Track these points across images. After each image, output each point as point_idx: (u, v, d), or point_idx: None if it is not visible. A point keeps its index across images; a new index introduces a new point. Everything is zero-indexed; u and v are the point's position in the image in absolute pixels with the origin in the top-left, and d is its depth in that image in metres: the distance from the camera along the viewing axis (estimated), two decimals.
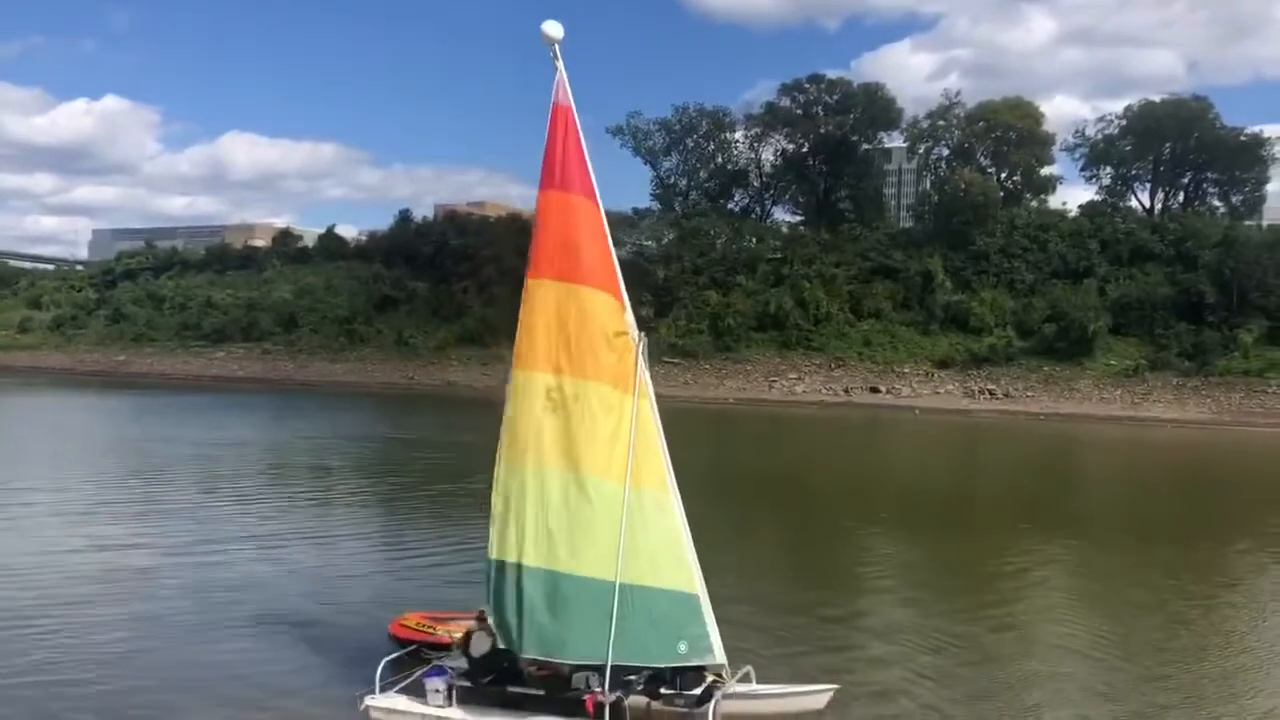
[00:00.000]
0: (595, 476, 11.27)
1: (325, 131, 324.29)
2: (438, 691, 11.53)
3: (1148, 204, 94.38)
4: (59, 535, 21.78)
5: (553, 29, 11.21)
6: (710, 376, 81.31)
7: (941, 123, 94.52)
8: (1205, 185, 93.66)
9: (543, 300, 11.49)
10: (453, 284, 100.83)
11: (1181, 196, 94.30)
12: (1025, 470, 41.23)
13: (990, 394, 74.64)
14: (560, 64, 11.37)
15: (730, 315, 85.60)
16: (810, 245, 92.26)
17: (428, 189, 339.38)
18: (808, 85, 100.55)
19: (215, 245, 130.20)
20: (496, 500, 11.63)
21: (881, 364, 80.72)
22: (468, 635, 12.00)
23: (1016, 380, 76.12)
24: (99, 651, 14.11)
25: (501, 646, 11.52)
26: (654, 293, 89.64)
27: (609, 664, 10.95)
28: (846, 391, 76.80)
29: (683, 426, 53.69)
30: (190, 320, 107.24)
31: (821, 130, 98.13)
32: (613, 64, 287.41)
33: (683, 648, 11.25)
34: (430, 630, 13.82)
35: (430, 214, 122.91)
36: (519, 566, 11.41)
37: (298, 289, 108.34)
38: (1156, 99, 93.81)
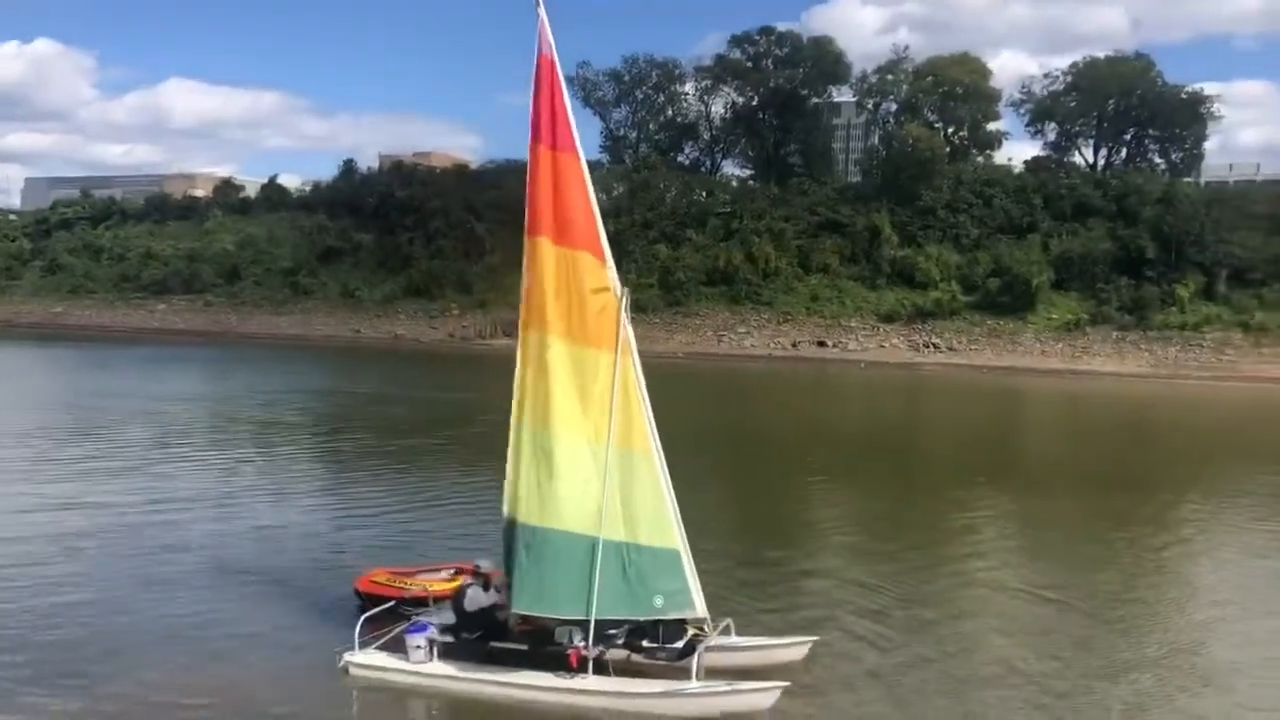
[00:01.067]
0: (582, 435, 11.47)
1: (267, 79, 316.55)
2: (419, 648, 11.59)
3: (1091, 160, 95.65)
4: (7, 495, 21.48)
5: None
6: (660, 331, 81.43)
7: (890, 78, 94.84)
8: (1146, 142, 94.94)
9: (544, 260, 11.50)
10: (399, 235, 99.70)
11: (1124, 153, 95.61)
12: (973, 423, 42.02)
13: (935, 348, 75.76)
14: (543, 12, 11.27)
15: (680, 270, 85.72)
16: (760, 200, 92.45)
17: (372, 139, 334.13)
18: (758, 38, 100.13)
19: (155, 195, 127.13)
20: (508, 457, 11.79)
21: (829, 318, 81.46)
22: (460, 589, 12.02)
23: (961, 334, 77.29)
24: (54, 612, 14.05)
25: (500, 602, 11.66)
26: None
27: (592, 618, 11.16)
28: (794, 346, 77.51)
29: None
30: (129, 271, 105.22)
31: (771, 84, 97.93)
32: (562, 12, 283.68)
33: (659, 602, 11.46)
34: (402, 585, 13.86)
35: (374, 164, 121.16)
36: (516, 523, 11.61)
37: (240, 240, 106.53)
38: (1100, 56, 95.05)
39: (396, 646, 11.85)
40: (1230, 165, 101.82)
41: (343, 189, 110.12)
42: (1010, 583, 16.41)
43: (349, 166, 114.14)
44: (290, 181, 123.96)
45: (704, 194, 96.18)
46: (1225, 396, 55.49)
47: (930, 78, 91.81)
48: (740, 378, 61.19)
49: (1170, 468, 30.98)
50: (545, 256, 11.48)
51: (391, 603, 12.97)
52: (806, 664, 12.18)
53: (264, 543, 18.05)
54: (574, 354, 11.47)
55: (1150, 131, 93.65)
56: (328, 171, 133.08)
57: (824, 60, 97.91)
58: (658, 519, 11.53)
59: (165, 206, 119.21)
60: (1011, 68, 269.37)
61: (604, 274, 11.52)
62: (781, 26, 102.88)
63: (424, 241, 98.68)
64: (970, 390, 56.75)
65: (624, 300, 11.49)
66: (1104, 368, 67.77)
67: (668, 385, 55.06)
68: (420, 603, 13.06)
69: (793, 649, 12.33)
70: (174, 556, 16.92)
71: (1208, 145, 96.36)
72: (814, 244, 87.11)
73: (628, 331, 11.50)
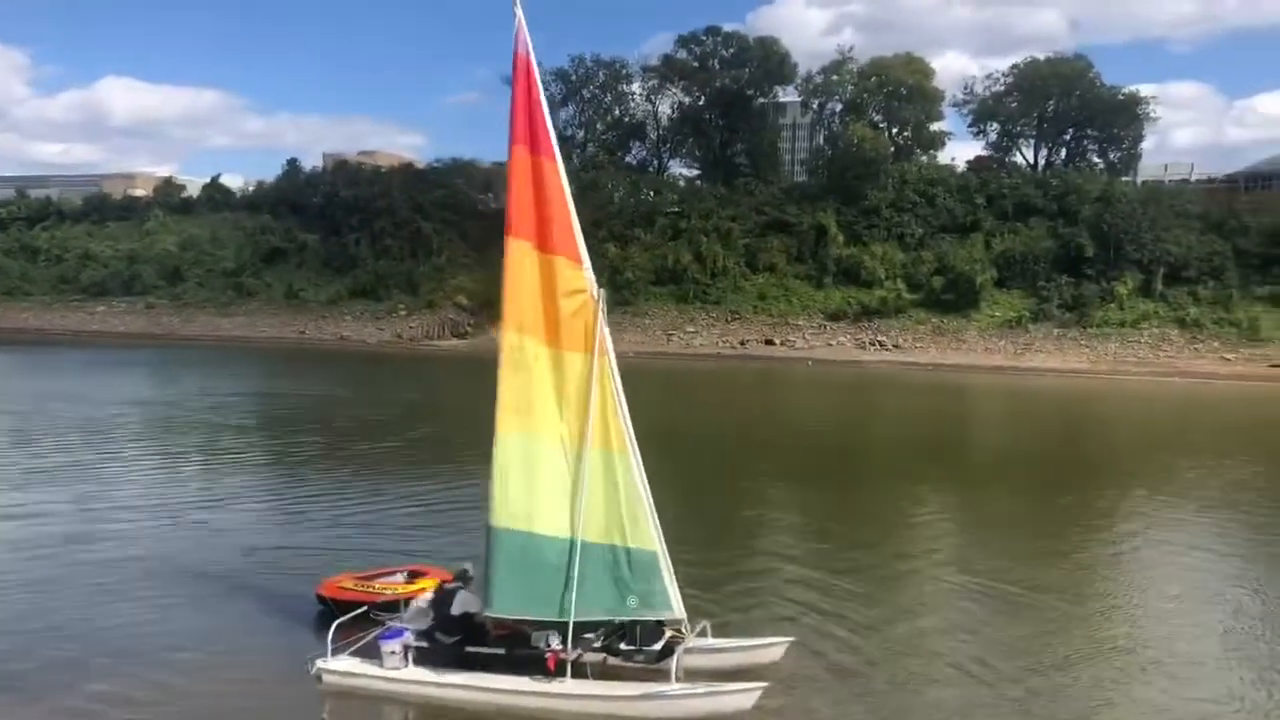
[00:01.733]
0: (561, 437, 11.52)
1: (208, 77, 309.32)
2: (394, 653, 11.47)
3: (1032, 160, 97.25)
4: None
5: None
6: (609, 330, 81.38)
7: (835, 78, 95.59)
8: (1086, 142, 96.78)
9: (520, 261, 11.52)
10: (344, 235, 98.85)
11: (1064, 153, 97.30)
12: (921, 420, 42.52)
13: (881, 345, 76.66)
14: (519, 11, 11.19)
15: (629, 269, 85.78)
16: (707, 199, 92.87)
17: (315, 138, 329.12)
18: (704, 38, 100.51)
19: (93, 195, 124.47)
20: (492, 461, 11.71)
21: (776, 317, 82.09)
22: (442, 594, 11.93)
23: (906, 332, 78.29)
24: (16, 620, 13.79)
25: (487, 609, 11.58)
26: None
27: (571, 621, 11.16)
28: (743, 344, 77.98)
29: None
30: (67, 273, 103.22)
31: (717, 84, 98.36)
32: (509, 12, 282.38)
33: (633, 603, 11.48)
34: (373, 590, 13.75)
35: (319, 164, 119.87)
36: (494, 527, 11.55)
37: (182, 241, 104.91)
38: (1041, 57, 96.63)
39: (369, 652, 11.73)
40: (1166, 165, 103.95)
41: (287, 189, 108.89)
42: (967, 578, 16.69)
43: (293, 166, 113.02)
44: (233, 181, 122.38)
45: (652, 194, 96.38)
46: (1163, 391, 56.73)
47: (874, 78, 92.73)
48: (690, 376, 61.42)
49: (1113, 462, 31.70)
50: (523, 259, 11.49)
51: (364, 608, 12.88)
52: (783, 664, 12.24)
53: (215, 549, 17.81)
54: (552, 356, 11.52)
55: (1089, 132, 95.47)
56: (271, 171, 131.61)
57: (769, 60, 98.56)
58: (635, 520, 11.55)
59: (104, 206, 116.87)
60: (954, 69, 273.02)
61: (580, 276, 11.57)
62: (727, 27, 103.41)
63: (370, 242, 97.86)
64: (917, 387, 57.46)
65: (601, 302, 11.51)
66: (1046, 364, 68.98)
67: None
68: (393, 607, 12.98)
69: (770, 649, 12.37)
70: (124, 565, 16.64)
71: (1144, 145, 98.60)
72: (761, 243, 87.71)
73: (605, 333, 11.53)
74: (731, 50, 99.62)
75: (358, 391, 47.07)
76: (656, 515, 11.68)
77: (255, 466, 27.22)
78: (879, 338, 77.80)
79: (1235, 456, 32.01)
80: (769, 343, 77.51)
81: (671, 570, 11.68)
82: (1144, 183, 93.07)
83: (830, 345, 77.14)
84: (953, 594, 15.96)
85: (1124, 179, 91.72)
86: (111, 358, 65.00)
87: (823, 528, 20.96)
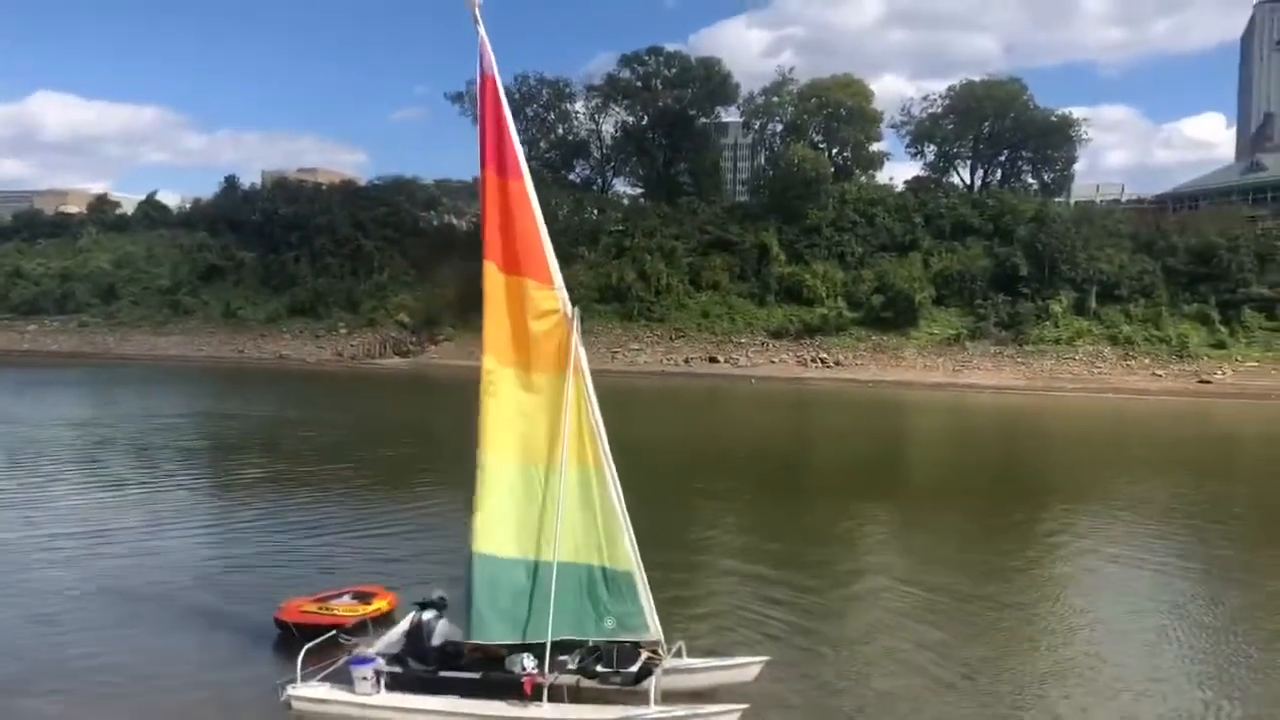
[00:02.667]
0: (537, 459, 11.47)
1: (147, 94, 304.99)
2: (365, 679, 11.23)
3: (968, 180, 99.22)
4: None
5: None
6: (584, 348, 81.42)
7: (775, 99, 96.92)
8: (1020, 163, 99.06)
9: (494, 288, 11.51)
10: (283, 253, 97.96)
11: (999, 173, 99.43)
12: (867, 437, 43.04)
13: (823, 363, 77.52)
14: (482, 30, 11.03)
15: (574, 287, 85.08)
16: (651, 218, 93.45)
17: (256, 155, 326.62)
18: (647, 57, 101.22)
19: (24, 211, 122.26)
20: (475, 488, 11.61)
21: (720, 334, 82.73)
22: (419, 624, 11.79)
23: (847, 349, 79.29)
24: None
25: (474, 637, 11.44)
26: None
27: (549, 643, 11.05)
28: (686, 362, 78.41)
29: None
30: None
31: (660, 103, 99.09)
32: (451, 29, 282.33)
33: (609, 624, 11.43)
34: (331, 613, 13.62)
35: (258, 181, 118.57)
36: (473, 551, 11.47)
37: (116, 258, 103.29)
38: (976, 79, 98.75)
39: (339, 678, 11.54)
40: (1098, 186, 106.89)
41: (225, 206, 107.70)
42: (927, 594, 16.80)
43: (231, 183, 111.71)
44: (170, 198, 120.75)
45: (595, 212, 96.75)
46: (1097, 407, 57.97)
47: (814, 99, 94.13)
48: (635, 394, 61.48)
49: (1058, 477, 32.36)
50: (495, 284, 11.50)
51: (332, 631, 12.73)
52: (763, 685, 12.19)
53: (164, 574, 17.37)
54: (525, 380, 11.50)
55: (1023, 153, 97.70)
56: (209, 189, 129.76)
57: (711, 81, 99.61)
58: (613, 540, 11.51)
59: (36, 223, 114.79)
60: (892, 91, 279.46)
61: (552, 296, 11.48)
62: (670, 47, 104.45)
63: (309, 259, 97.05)
64: (859, 404, 58.14)
65: (575, 321, 11.46)
66: (984, 380, 70.16)
67: None
68: (361, 628, 12.86)
69: (745, 669, 12.29)
70: (68, 593, 16.18)
71: (1076, 166, 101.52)
72: (704, 261, 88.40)
73: (579, 352, 11.49)
74: (674, 70, 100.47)
75: (303, 412, 46.57)
76: (633, 534, 11.65)
77: (197, 489, 26.69)
78: (820, 355, 78.70)
79: (1168, 471, 32.91)
80: (713, 360, 78.01)
81: (649, 590, 11.63)
82: (1076, 203, 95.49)
83: (773, 363, 77.87)
84: (916, 609, 15.99)
85: (1057, 199, 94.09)
86: (44, 377, 63.64)
87: (774, 545, 20.83)
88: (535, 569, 11.34)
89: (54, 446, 33.37)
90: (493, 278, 11.51)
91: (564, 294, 11.55)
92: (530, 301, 11.44)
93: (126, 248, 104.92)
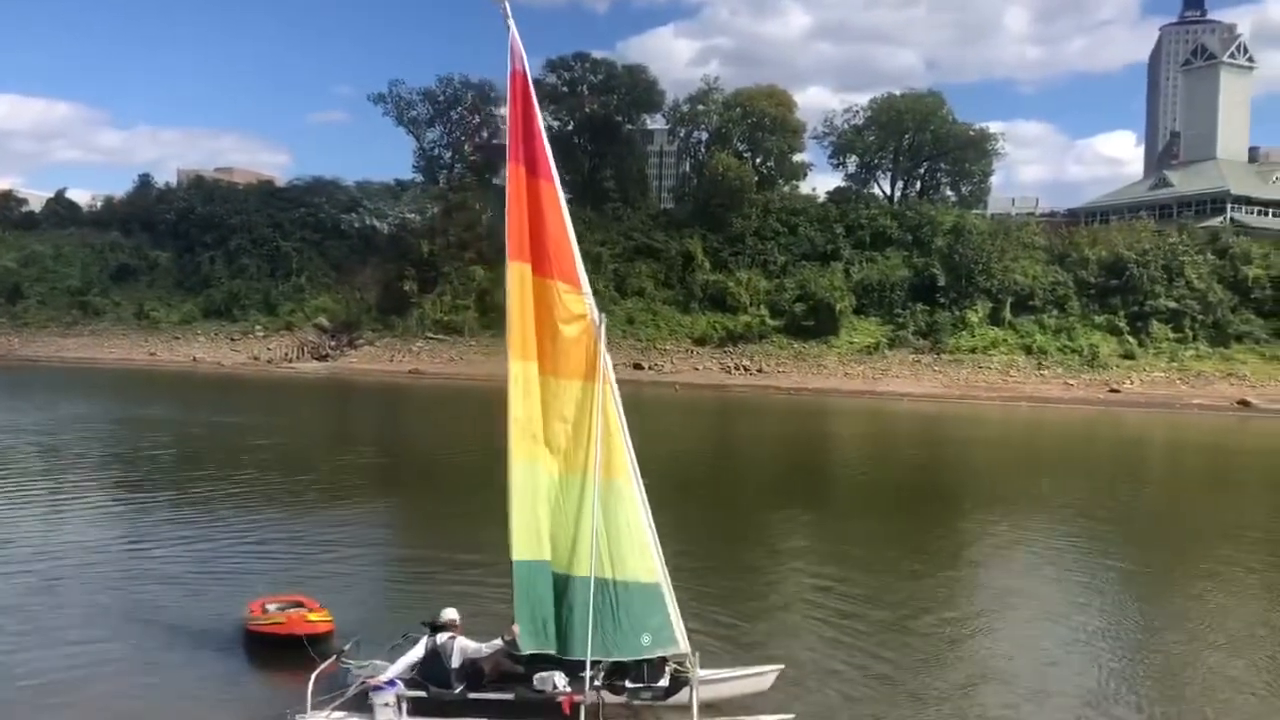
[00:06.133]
0: (569, 468, 11.03)
1: (59, 89, 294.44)
2: (387, 705, 10.40)
3: (889, 191, 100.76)
4: None
5: None
6: (476, 353, 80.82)
7: (701, 107, 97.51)
8: (939, 175, 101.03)
9: (522, 289, 10.99)
10: (199, 254, 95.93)
11: (918, 185, 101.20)
12: (785, 442, 43.29)
13: (745, 370, 78.13)
14: (513, 25, 10.71)
15: (497, 291, 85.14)
16: (576, 224, 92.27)
17: (175, 153, 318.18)
18: (573, 63, 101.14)
19: None
20: (508, 495, 11.04)
21: (644, 341, 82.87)
22: (436, 647, 10.99)
23: (770, 357, 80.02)
24: None
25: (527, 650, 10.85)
26: (418, 267, 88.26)
27: (589, 660, 10.56)
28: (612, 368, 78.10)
29: (451, 409, 53.22)
30: None
31: (586, 109, 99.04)
32: (376, 30, 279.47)
33: (646, 640, 10.95)
34: (303, 617, 13.12)
35: (173, 179, 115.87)
36: (519, 563, 10.90)
37: (23, 257, 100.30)
38: (898, 93, 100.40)
39: (357, 706, 10.64)
40: (1013, 199, 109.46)
41: (138, 205, 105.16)
42: (852, 605, 16.47)
43: (145, 181, 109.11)
44: (80, 196, 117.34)
45: None
46: (1012, 415, 59.21)
47: (739, 108, 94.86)
48: None
49: (967, 482, 32.84)
50: (524, 285, 11.00)
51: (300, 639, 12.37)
52: (795, 693, 11.92)
53: (134, 588, 16.29)
54: (555, 386, 11.03)
55: (942, 165, 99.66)
56: (122, 187, 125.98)
57: (637, 88, 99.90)
58: (641, 552, 11.06)
59: None
60: (817, 102, 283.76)
61: (580, 301, 11.07)
62: (597, 54, 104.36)
63: (225, 260, 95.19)
64: (782, 411, 58.53)
65: (601, 328, 11.07)
66: (902, 388, 71.24)
67: (486, 410, 54.40)
68: (326, 636, 12.55)
69: (760, 678, 11.94)
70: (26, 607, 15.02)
71: (993, 180, 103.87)
72: (630, 268, 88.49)
73: (606, 359, 11.09)
74: (600, 76, 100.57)
75: (215, 416, 45.36)
76: (659, 545, 11.17)
77: (105, 498, 25.53)
78: (743, 362, 79.30)
79: (1081, 475, 33.65)
80: (637, 367, 77.98)
81: (674, 602, 11.17)
82: (993, 215, 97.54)
83: (696, 370, 78.22)
84: (849, 619, 15.73)
85: (975, 211, 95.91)
86: None
87: (705, 550, 20.61)
88: (571, 582, 10.86)
89: None
90: (522, 279, 10.98)
91: (591, 299, 11.16)
92: (561, 305, 10.99)
93: (33, 246, 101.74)
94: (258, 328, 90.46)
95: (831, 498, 29.10)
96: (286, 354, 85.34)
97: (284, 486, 26.62)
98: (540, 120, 11.11)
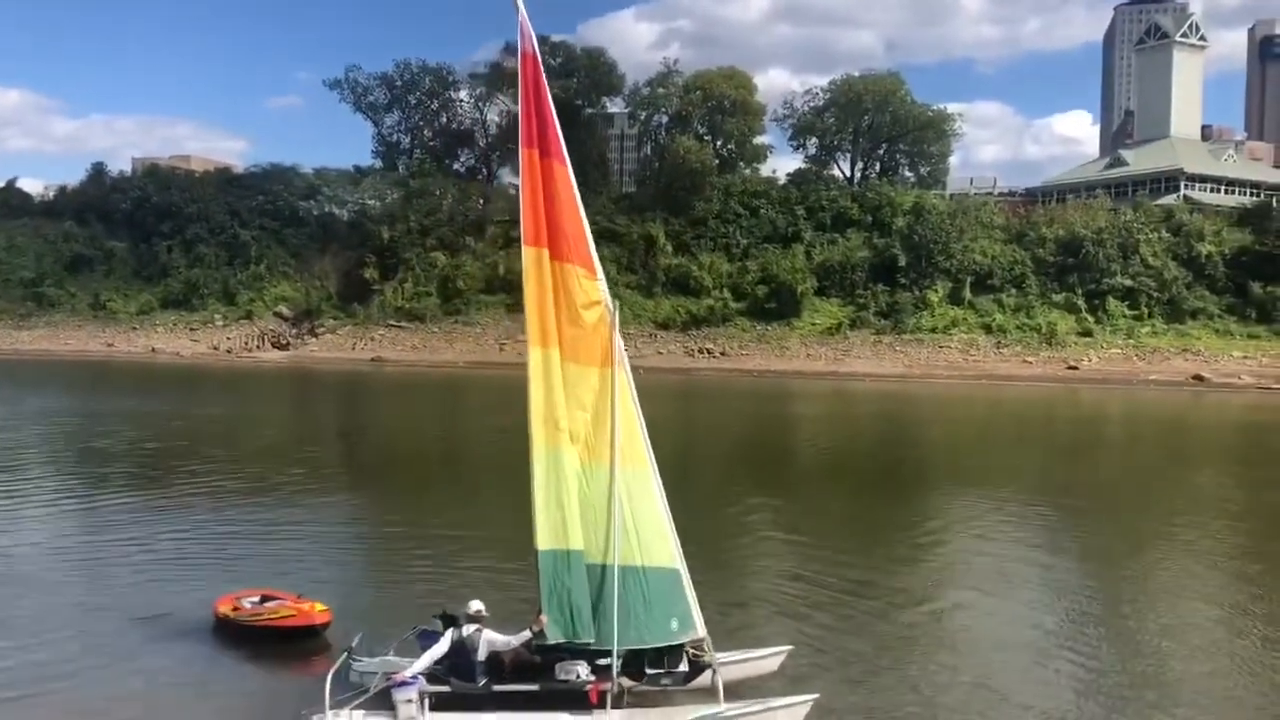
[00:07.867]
0: (589, 455, 10.95)
1: (10, 76, 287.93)
2: (410, 702, 10.15)
3: (849, 173, 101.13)
4: None
5: None
6: (439, 340, 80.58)
7: (661, 90, 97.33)
8: (898, 156, 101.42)
9: (536, 271, 10.83)
10: (155, 243, 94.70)
11: (878, 167, 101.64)
12: (751, 423, 43.55)
13: (709, 353, 78.41)
14: (522, 7, 10.57)
15: (460, 277, 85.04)
16: None
17: (130, 142, 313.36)
18: None
19: None
20: (532, 484, 10.91)
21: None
22: (461, 640, 10.78)
23: (733, 339, 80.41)
24: None
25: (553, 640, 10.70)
26: (378, 254, 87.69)
27: (615, 649, 10.54)
28: None
29: (408, 397, 52.98)
30: None
31: None
32: (333, 13, 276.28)
33: (674, 625, 10.93)
34: (313, 608, 12.93)
35: (128, 168, 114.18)
36: (543, 552, 10.81)
37: None
38: (857, 74, 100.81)
39: (379, 703, 10.36)
40: (971, 180, 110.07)
41: (93, 194, 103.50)
42: (844, 588, 16.43)
43: (99, 170, 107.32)
44: (33, 186, 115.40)
45: (481, 201, 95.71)
46: (974, 393, 59.86)
47: (699, 91, 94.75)
48: (523, 387, 61.13)
49: (928, 461, 33.27)
50: (543, 270, 10.85)
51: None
52: (781, 675, 11.90)
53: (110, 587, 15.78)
54: (574, 372, 10.91)
55: (901, 146, 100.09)
56: (75, 176, 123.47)
57: (597, 71, 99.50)
58: (660, 538, 11.03)
59: None
60: (777, 85, 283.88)
61: (596, 287, 10.95)
62: (556, 37, 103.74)
63: (183, 249, 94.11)
64: (746, 393, 58.81)
65: (614, 314, 10.98)
66: (864, 369, 71.85)
67: (443, 396, 54.62)
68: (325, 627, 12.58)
69: (769, 660, 12.01)
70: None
71: (951, 160, 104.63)
72: None
73: (620, 346, 10.99)
74: (560, 60, 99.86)
75: (180, 407, 44.91)
76: (675, 530, 11.15)
77: (63, 492, 25.26)
78: (707, 345, 79.61)
79: (1040, 451, 34.18)
80: None
81: (691, 586, 11.14)
82: (952, 195, 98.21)
83: (660, 354, 78.35)
84: (834, 603, 15.80)
85: (934, 192, 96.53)
86: None
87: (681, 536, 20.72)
88: (595, 570, 10.80)
89: None
90: (540, 264, 10.81)
91: (605, 285, 11.05)
92: (579, 291, 10.86)
93: None
94: (217, 317, 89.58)
95: (796, 478, 29.29)
96: (247, 343, 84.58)
97: (255, 479, 26.44)
98: (551, 103, 10.89)
